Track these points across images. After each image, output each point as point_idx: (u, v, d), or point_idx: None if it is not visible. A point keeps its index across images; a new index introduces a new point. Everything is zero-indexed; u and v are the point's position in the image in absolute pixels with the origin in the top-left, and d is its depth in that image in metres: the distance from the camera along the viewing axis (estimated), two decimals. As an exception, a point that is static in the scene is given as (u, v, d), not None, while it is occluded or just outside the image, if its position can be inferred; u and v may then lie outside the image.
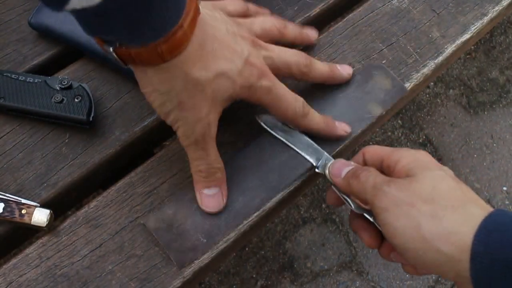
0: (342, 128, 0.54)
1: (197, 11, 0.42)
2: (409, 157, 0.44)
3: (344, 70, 0.57)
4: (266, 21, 0.53)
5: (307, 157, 0.51)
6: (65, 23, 0.56)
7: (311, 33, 0.58)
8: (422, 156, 0.45)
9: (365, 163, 0.48)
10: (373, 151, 0.48)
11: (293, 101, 0.50)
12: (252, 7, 0.55)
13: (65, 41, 0.57)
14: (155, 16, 0.38)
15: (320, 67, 0.54)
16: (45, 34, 0.58)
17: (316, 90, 0.56)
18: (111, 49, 0.41)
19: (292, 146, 0.51)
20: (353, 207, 0.47)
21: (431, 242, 0.40)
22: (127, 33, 0.39)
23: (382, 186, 0.43)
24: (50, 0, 0.36)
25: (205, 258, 0.48)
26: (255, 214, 0.51)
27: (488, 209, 0.41)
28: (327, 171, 0.49)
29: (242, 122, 0.55)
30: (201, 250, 0.48)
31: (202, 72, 0.44)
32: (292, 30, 0.55)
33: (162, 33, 0.40)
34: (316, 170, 0.50)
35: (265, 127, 0.52)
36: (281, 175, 0.52)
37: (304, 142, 0.51)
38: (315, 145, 0.51)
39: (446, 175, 0.43)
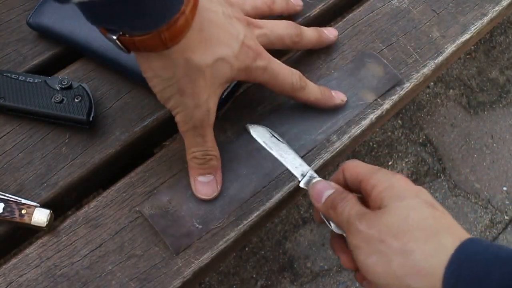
0: (339, 97, 0.55)
1: None
2: (384, 183, 0.43)
3: (331, 33, 0.59)
4: None
5: (292, 171, 0.50)
6: (63, 23, 0.56)
7: (296, 2, 0.60)
8: (397, 182, 0.43)
9: (345, 181, 0.47)
10: (353, 169, 0.46)
11: (290, 75, 0.51)
12: None
13: (64, 41, 0.57)
14: (159, 3, 0.39)
15: (310, 34, 0.56)
16: (44, 34, 0.58)
17: (309, 77, 0.56)
18: (114, 37, 0.42)
19: (279, 158, 0.50)
20: (332, 227, 0.46)
21: (402, 278, 0.39)
22: (131, 21, 0.40)
23: (354, 221, 0.42)
24: None
25: (205, 258, 0.48)
26: (256, 214, 0.51)
27: (462, 236, 0.39)
28: (309, 191, 0.48)
29: (243, 122, 0.55)
30: (196, 236, 0.49)
31: (202, 58, 0.45)
32: (280, 4, 0.57)
33: (165, 20, 0.40)
34: (300, 185, 0.49)
35: (255, 137, 0.52)
36: (274, 162, 0.52)
37: (291, 155, 0.50)
38: (301, 160, 0.50)
39: (419, 203, 0.41)
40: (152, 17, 0.40)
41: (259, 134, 0.52)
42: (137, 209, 0.50)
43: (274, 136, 0.52)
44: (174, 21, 0.41)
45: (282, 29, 0.53)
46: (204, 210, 0.50)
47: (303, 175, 0.49)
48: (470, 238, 0.39)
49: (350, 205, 0.43)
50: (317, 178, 0.48)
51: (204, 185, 0.50)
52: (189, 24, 0.42)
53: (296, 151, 0.53)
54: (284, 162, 0.50)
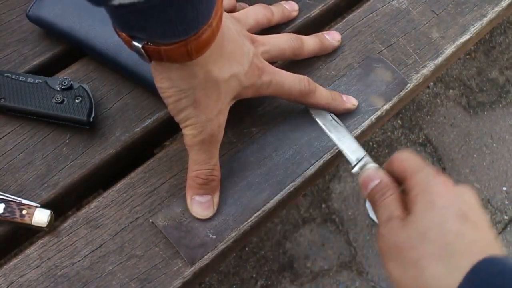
0: (350, 101, 0.56)
1: (223, 11, 0.43)
2: (421, 186, 0.42)
3: (333, 38, 0.59)
4: (257, 13, 0.56)
5: (349, 155, 0.50)
6: (64, 18, 0.56)
7: (291, 8, 0.61)
8: (434, 186, 0.41)
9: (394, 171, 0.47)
10: (400, 163, 0.45)
11: (297, 83, 0.52)
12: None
13: (63, 37, 0.57)
14: (191, 12, 0.39)
15: (311, 44, 0.57)
16: (43, 28, 0.58)
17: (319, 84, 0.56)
18: (139, 45, 0.41)
19: (336, 142, 0.52)
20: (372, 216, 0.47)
21: None
22: (162, 29, 0.39)
23: (382, 225, 0.42)
24: None
25: (205, 259, 0.49)
26: (256, 214, 0.51)
27: (483, 254, 0.37)
28: (359, 178, 0.48)
29: (243, 123, 0.55)
30: (211, 246, 0.49)
31: (220, 72, 0.45)
32: (277, 15, 0.58)
33: (193, 31, 0.40)
34: (353, 171, 0.50)
35: (315, 118, 0.54)
36: (287, 170, 0.52)
37: (348, 140, 0.52)
38: (358, 145, 0.51)
39: (447, 214, 0.40)
40: (182, 26, 0.39)
41: (320, 116, 0.53)
42: (151, 220, 0.50)
43: (334, 120, 0.54)
44: (202, 32, 0.41)
45: (283, 43, 0.54)
46: (218, 220, 0.50)
47: (358, 160, 0.50)
48: (487, 258, 0.37)
49: (386, 204, 0.43)
50: (370, 165, 0.48)
51: (201, 205, 0.49)
52: (215, 37, 0.42)
53: (307, 159, 0.53)
54: (340, 146, 0.51)
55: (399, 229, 0.41)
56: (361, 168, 0.49)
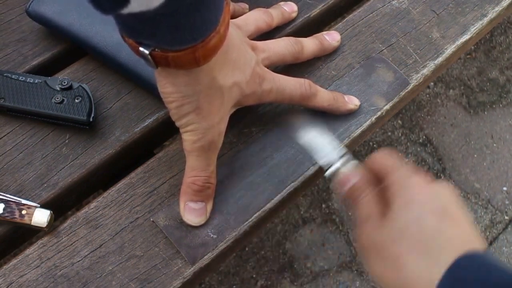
0: (352, 102, 0.55)
1: (230, 17, 0.43)
2: (399, 183, 0.42)
3: (333, 38, 0.59)
4: (258, 19, 0.56)
5: (319, 160, 0.49)
6: (64, 16, 0.55)
7: (290, 10, 0.61)
8: (412, 185, 0.42)
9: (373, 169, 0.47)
10: (380, 161, 0.46)
11: (298, 87, 0.51)
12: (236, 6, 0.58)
13: (62, 34, 0.56)
14: (199, 19, 0.38)
15: (311, 46, 0.57)
16: (42, 24, 0.57)
17: (309, 78, 0.56)
18: (147, 52, 0.41)
19: (307, 146, 0.50)
20: None
21: None
22: (171, 36, 0.39)
23: (362, 223, 0.43)
24: (103, 2, 0.34)
25: (205, 259, 0.48)
26: (257, 214, 0.51)
27: (462, 250, 0.38)
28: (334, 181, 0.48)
29: (243, 123, 0.55)
30: (212, 245, 0.49)
31: (224, 79, 0.45)
32: (277, 19, 0.58)
33: (201, 37, 0.40)
34: (325, 175, 0.49)
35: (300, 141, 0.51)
36: (288, 169, 0.52)
37: (324, 140, 0.50)
38: (335, 143, 0.49)
39: (426, 212, 0.40)
40: (191, 33, 0.39)
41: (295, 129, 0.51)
42: (152, 219, 0.49)
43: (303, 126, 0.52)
44: (209, 39, 0.40)
45: (283, 48, 0.54)
46: (218, 220, 0.50)
47: (339, 158, 0.48)
48: (467, 253, 0.38)
49: (364, 202, 0.44)
50: (349, 163, 0.47)
51: (194, 212, 0.49)
52: (222, 44, 0.42)
53: (309, 159, 0.53)
54: (311, 151, 0.50)
55: (378, 227, 0.41)
56: (343, 165, 0.47)
